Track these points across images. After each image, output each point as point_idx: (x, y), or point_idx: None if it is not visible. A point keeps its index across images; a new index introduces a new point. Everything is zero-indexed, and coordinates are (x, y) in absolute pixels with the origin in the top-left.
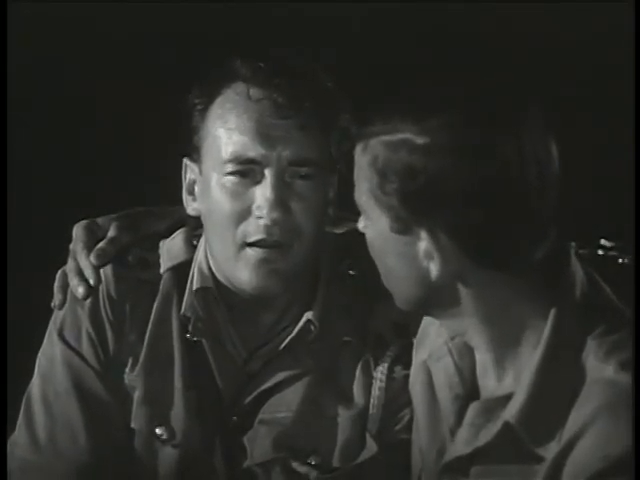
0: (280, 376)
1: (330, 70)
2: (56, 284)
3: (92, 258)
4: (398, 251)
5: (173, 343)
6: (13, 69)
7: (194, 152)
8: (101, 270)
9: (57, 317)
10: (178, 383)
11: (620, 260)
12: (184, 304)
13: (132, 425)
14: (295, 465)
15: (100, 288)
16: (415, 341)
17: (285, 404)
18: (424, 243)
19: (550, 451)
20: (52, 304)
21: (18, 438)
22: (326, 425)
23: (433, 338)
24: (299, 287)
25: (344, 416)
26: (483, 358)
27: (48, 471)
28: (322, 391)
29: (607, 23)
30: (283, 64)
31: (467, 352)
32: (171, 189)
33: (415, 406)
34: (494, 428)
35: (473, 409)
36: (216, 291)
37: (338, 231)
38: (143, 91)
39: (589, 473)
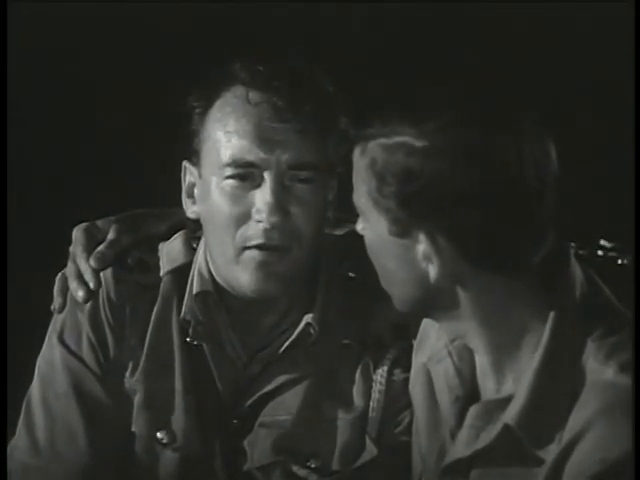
0: (280, 379)
1: (329, 73)
2: (56, 287)
3: (92, 261)
4: (397, 254)
5: (173, 347)
6: (13, 69)
7: (193, 155)
8: (101, 273)
9: (57, 321)
10: (178, 387)
11: (620, 261)
12: (184, 308)
13: (132, 429)
14: (295, 468)
15: (100, 291)
16: (415, 343)
17: (285, 407)
18: (423, 246)
19: (550, 453)
20: (52, 307)
21: (18, 441)
22: (326, 428)
23: (433, 340)
24: (299, 290)
25: (344, 419)
26: (483, 360)
27: (48, 474)
28: (322, 394)
29: (607, 23)
30: (282, 67)
31: (467, 354)
32: (171, 191)
33: (415, 408)
34: (494, 430)
35: (473, 411)
36: (216, 295)
37: (338, 233)
38: (143, 92)
39: (589, 475)
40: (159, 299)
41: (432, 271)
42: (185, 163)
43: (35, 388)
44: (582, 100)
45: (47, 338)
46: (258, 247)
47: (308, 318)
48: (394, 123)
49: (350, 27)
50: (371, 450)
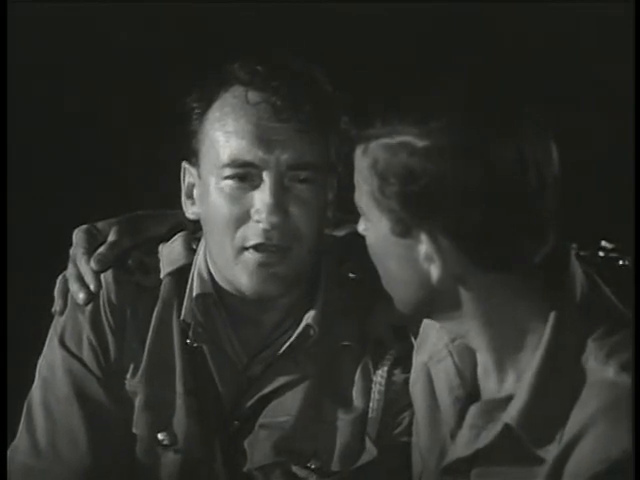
0: (280, 380)
1: (330, 72)
2: (56, 289)
3: (92, 263)
4: (398, 254)
5: (174, 348)
6: (13, 69)
7: (193, 156)
8: (102, 275)
9: (58, 323)
10: (179, 388)
11: (620, 262)
12: (184, 310)
13: (134, 430)
14: (295, 469)
15: (101, 294)
16: (415, 343)
17: (285, 408)
18: (424, 246)
19: (550, 453)
20: (52, 310)
21: (19, 444)
22: (326, 429)
23: (433, 340)
24: (299, 291)
25: (344, 420)
26: (484, 360)
27: (49, 476)
28: (322, 395)
29: (607, 23)
30: (281, 67)
31: (468, 354)
32: (171, 192)
33: (415, 408)
34: (494, 430)
35: (473, 411)
36: (216, 296)
37: (338, 234)
38: (143, 92)
39: (590, 475)
40: (159, 301)
41: (434, 271)
42: (184, 164)
43: (36, 390)
44: (582, 100)
45: (48, 340)
46: (257, 248)
47: (308, 319)
48: (396, 123)
49: (351, 27)
50: (371, 451)
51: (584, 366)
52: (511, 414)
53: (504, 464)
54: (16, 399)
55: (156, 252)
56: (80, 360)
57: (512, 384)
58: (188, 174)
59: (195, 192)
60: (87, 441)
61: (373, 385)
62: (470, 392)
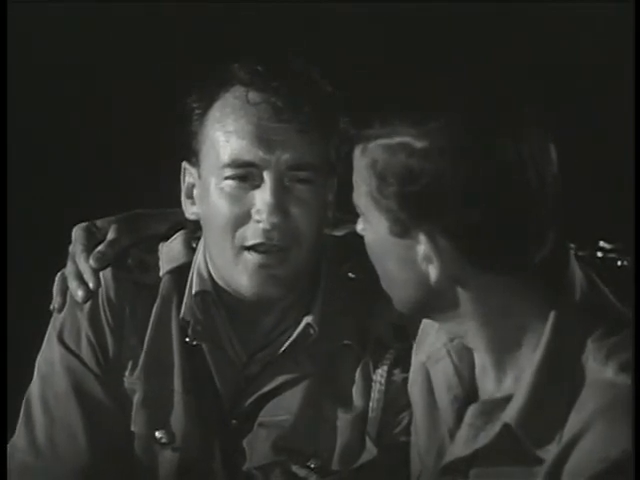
0: (280, 379)
1: (329, 73)
2: (55, 287)
3: (91, 261)
4: (397, 254)
5: (172, 346)
6: (13, 69)
7: (193, 156)
8: (100, 273)
9: (56, 320)
10: (178, 386)
11: (619, 262)
12: (183, 308)
13: (132, 428)
14: (295, 468)
15: (100, 291)
16: (414, 343)
17: (285, 407)
18: (423, 246)
19: (549, 453)
20: (51, 307)
21: (18, 441)
22: (326, 428)
23: (432, 340)
24: (298, 290)
25: (343, 419)
26: (482, 360)
27: (47, 474)
28: (322, 394)
29: (607, 23)
30: (282, 67)
31: (466, 354)
32: (170, 191)
33: (414, 408)
34: (493, 430)
35: (472, 411)
36: (215, 295)
37: (338, 234)
38: (143, 92)
39: (589, 475)
40: (158, 299)
41: (432, 272)
42: (184, 164)
43: (34, 387)
44: (582, 100)
45: (46, 337)
46: (258, 248)
47: (308, 318)
48: (395, 123)
49: (351, 27)
50: (371, 450)
51: (583, 366)
52: (510, 414)
53: (503, 464)
54: (15, 396)
55: (156, 250)
56: (78, 357)
57: (511, 384)
58: (188, 174)
59: (195, 192)
60: (85, 438)
61: (373, 384)
62: (468, 392)
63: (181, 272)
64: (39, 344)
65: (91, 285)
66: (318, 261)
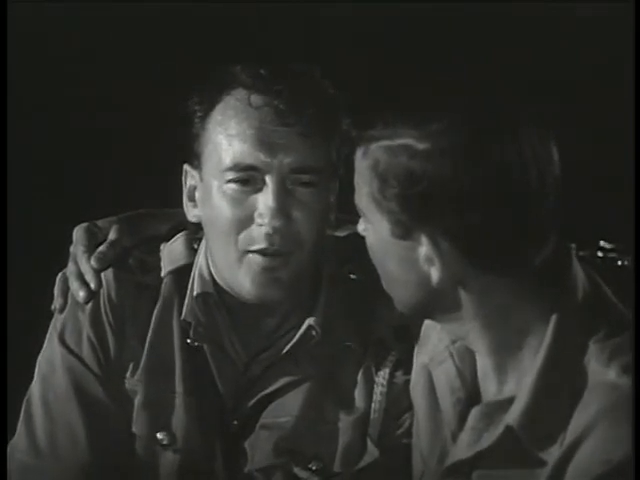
0: (281, 381)
1: (330, 75)
2: (56, 288)
3: (93, 262)
4: (398, 255)
5: (174, 348)
6: (13, 69)
7: (194, 158)
8: (102, 274)
9: (57, 321)
10: (179, 388)
11: (620, 262)
12: (185, 309)
13: (133, 430)
14: (296, 470)
15: (101, 292)
16: (416, 345)
17: (286, 409)
18: (425, 248)
19: (552, 455)
20: (52, 307)
21: (18, 442)
22: (327, 430)
23: (434, 342)
24: (300, 292)
25: (345, 421)
26: (484, 362)
27: (48, 475)
28: (323, 396)
29: (607, 23)
30: (284, 70)
31: (468, 356)
32: (172, 192)
33: (416, 410)
34: (496, 432)
35: (475, 413)
36: (217, 296)
37: (339, 235)
38: (144, 93)
39: (591, 477)
40: (160, 300)
41: (434, 273)
42: (186, 166)
43: (35, 388)
44: (582, 100)
45: (47, 338)
46: (261, 252)
47: (310, 320)
48: (396, 125)
49: (352, 29)
50: (373, 452)
51: (585, 368)
52: (513, 416)
53: (505, 466)
54: (16, 396)
55: (157, 251)
56: (80, 358)
57: (513, 386)
58: (190, 176)
59: (197, 195)
60: (86, 439)
61: (375, 386)
62: (471, 394)
63: (182, 273)
64: (40, 345)
65: (92, 286)
66: (320, 263)
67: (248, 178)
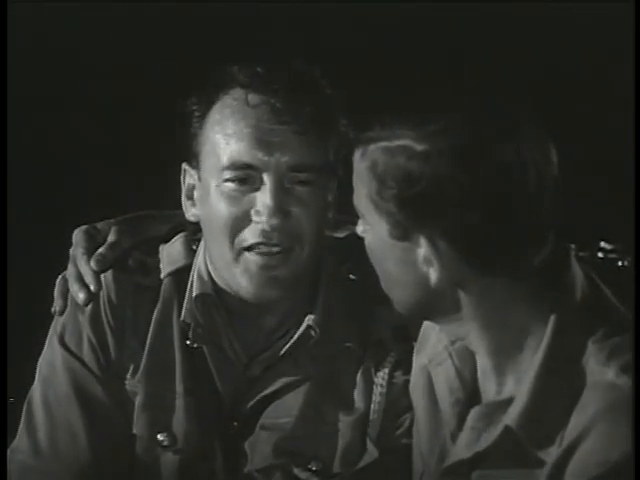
0: (281, 382)
1: (329, 75)
2: (56, 290)
3: (92, 264)
4: (397, 257)
5: (174, 349)
6: (13, 69)
7: (193, 158)
8: (102, 275)
9: (58, 323)
10: (179, 389)
11: (620, 263)
12: (184, 310)
13: (133, 431)
14: (296, 471)
15: (101, 294)
16: (415, 345)
17: (286, 409)
18: (423, 249)
19: (551, 455)
20: (52, 310)
21: (19, 443)
22: (327, 430)
23: (433, 342)
24: (299, 292)
25: (345, 421)
26: (484, 362)
27: (49, 476)
28: (323, 397)
29: (607, 23)
30: (281, 69)
31: (467, 356)
32: (171, 193)
33: (415, 410)
34: (495, 432)
35: (474, 413)
36: (216, 297)
37: (338, 235)
38: (143, 93)
39: (590, 477)
40: (160, 301)
41: (433, 274)
42: (184, 166)
43: (36, 390)
44: (582, 100)
45: (48, 340)
46: (258, 249)
47: (309, 320)
48: (394, 126)
49: (350, 29)
50: (372, 452)
51: (584, 368)
52: (512, 416)
53: (505, 466)
54: (16, 399)
55: (156, 252)
56: (80, 359)
57: (512, 386)
58: (188, 176)
59: (195, 194)
60: (87, 440)
61: (374, 387)
62: (470, 394)
63: (182, 274)
64: (40, 347)
65: (92, 287)
66: (319, 263)
67: (245, 177)
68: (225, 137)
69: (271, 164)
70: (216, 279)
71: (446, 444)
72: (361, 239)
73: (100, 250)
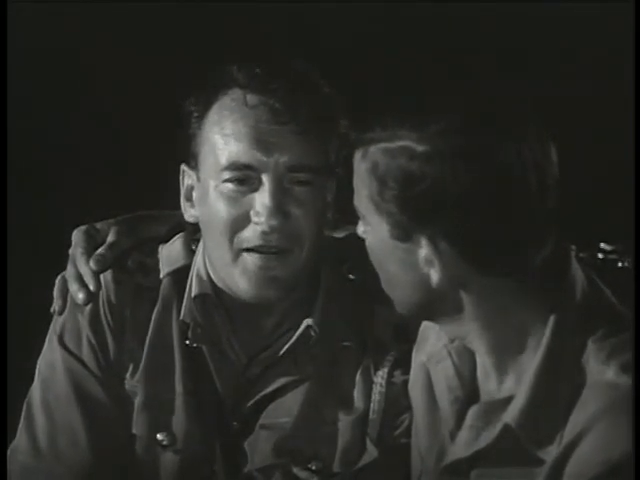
0: (280, 381)
1: (329, 75)
2: (56, 290)
3: (92, 264)
4: (398, 257)
5: (173, 349)
6: (13, 69)
7: (191, 159)
8: (101, 276)
9: (57, 323)
10: (179, 388)
11: (620, 263)
12: (183, 310)
13: (133, 430)
14: (296, 470)
15: (100, 294)
16: (415, 344)
17: (285, 409)
18: (424, 250)
19: (550, 454)
20: (52, 310)
21: (19, 443)
22: (326, 430)
23: (433, 341)
24: (299, 292)
25: (344, 421)
26: (483, 361)
27: (49, 476)
28: (322, 396)
29: (607, 23)
30: (280, 70)
31: (467, 355)
32: (171, 193)
33: (414, 408)
34: (494, 431)
35: (473, 412)
36: (215, 297)
37: (338, 235)
38: (143, 93)
39: (589, 476)
40: (159, 301)
41: (434, 275)
42: (183, 166)
43: (35, 390)
44: (582, 100)
45: (47, 340)
46: (257, 250)
47: (309, 320)
48: (395, 127)
49: (351, 29)
50: (372, 452)
51: (584, 367)
52: (511, 415)
53: (504, 465)
54: (16, 399)
55: (156, 253)
56: (79, 359)
57: (512, 385)
58: (187, 176)
59: (194, 195)
60: (87, 440)
61: (374, 386)
62: (469, 393)
63: (181, 274)
64: (40, 347)
65: (92, 287)
66: (318, 263)
67: (244, 177)
68: (224, 138)
69: (270, 165)
70: (215, 279)
71: (445, 443)
72: (361, 239)
73: (99, 250)
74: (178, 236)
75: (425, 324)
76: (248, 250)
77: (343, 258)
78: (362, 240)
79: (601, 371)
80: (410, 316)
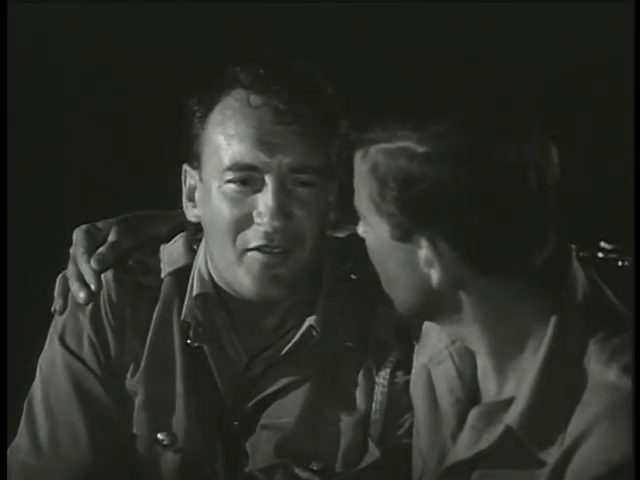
0: (282, 381)
1: (330, 76)
2: (56, 289)
3: (93, 263)
4: (398, 258)
5: (174, 348)
6: (13, 69)
7: (194, 159)
8: (102, 275)
9: (58, 322)
10: (179, 388)
11: (620, 263)
12: (184, 310)
13: (134, 430)
14: (297, 470)
15: (101, 293)
16: (416, 345)
17: (287, 409)
18: (424, 250)
19: (552, 455)
20: (52, 309)
21: (20, 443)
22: (328, 430)
23: (434, 342)
24: (300, 292)
25: (346, 421)
26: (484, 362)
27: (49, 475)
28: (324, 396)
29: (607, 23)
30: (283, 70)
31: (468, 356)
32: (172, 193)
33: (416, 409)
34: (495, 432)
35: (474, 413)
36: (216, 297)
37: (339, 235)
38: (144, 93)
39: (591, 477)
40: (160, 300)
41: (434, 275)
42: (185, 166)
43: (36, 389)
44: (582, 101)
45: (48, 339)
46: (260, 249)
47: (310, 320)
48: (396, 128)
49: (352, 31)
50: (374, 452)
51: (585, 369)
52: (512, 416)
53: (505, 466)
54: (16, 398)
55: (157, 252)
56: (80, 358)
57: (513, 387)
58: (189, 177)
59: (197, 195)
60: (88, 439)
61: (376, 387)
62: (470, 394)
63: (182, 274)
64: (40, 346)
65: (93, 287)
66: (320, 262)
67: (247, 178)
68: (227, 138)
69: (273, 165)
70: (217, 279)
71: (446, 444)
72: (362, 239)
73: (100, 249)
74: (179, 236)
75: (427, 325)
76: (251, 250)
77: (345, 258)
78: (363, 240)
79: (602, 373)
80: (410, 316)
